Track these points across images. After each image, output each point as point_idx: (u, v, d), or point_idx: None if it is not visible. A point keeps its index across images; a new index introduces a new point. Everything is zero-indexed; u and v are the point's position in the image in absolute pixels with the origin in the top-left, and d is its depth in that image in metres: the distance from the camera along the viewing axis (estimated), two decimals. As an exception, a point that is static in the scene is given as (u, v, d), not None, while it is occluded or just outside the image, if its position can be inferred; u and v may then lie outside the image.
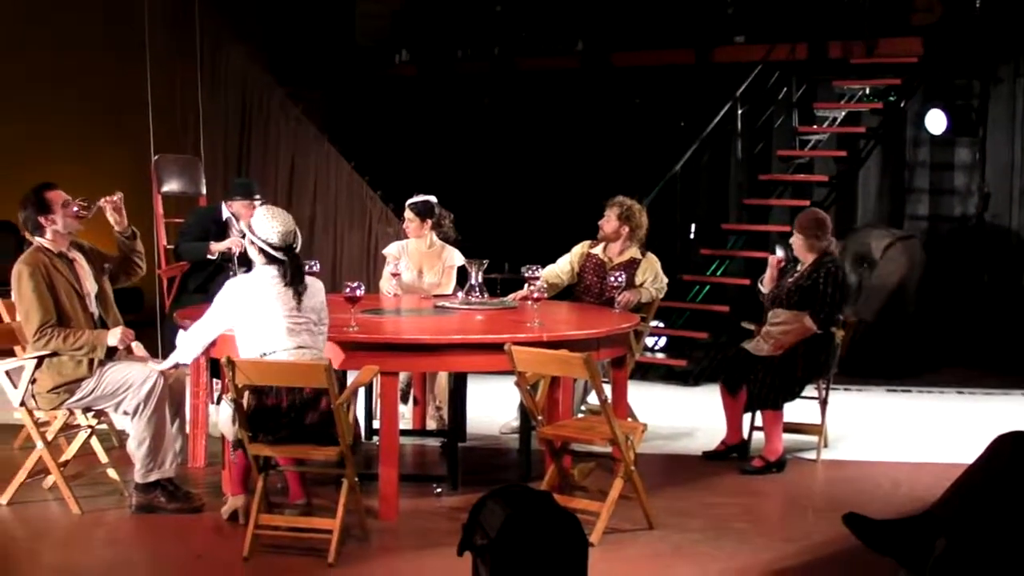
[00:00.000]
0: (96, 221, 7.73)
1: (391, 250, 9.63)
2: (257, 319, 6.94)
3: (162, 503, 7.30)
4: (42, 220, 7.33)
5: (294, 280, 6.97)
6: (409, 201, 9.58)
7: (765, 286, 9.00)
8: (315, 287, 7.15)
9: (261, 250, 7.01)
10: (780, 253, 9.10)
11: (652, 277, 9.22)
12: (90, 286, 7.46)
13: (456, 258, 9.53)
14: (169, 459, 7.29)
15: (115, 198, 7.71)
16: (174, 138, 13.50)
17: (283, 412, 6.70)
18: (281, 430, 6.73)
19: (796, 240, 8.83)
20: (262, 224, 7.03)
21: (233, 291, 7.11)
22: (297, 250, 7.06)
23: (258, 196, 10.02)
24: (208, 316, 7.23)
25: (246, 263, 9.64)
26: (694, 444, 9.42)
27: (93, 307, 7.43)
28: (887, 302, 12.85)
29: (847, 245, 12.56)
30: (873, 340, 12.43)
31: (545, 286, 8.46)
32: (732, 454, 8.95)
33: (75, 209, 7.45)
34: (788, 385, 8.63)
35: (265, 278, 7.00)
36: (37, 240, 7.42)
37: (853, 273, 12.56)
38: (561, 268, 9.41)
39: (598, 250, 9.36)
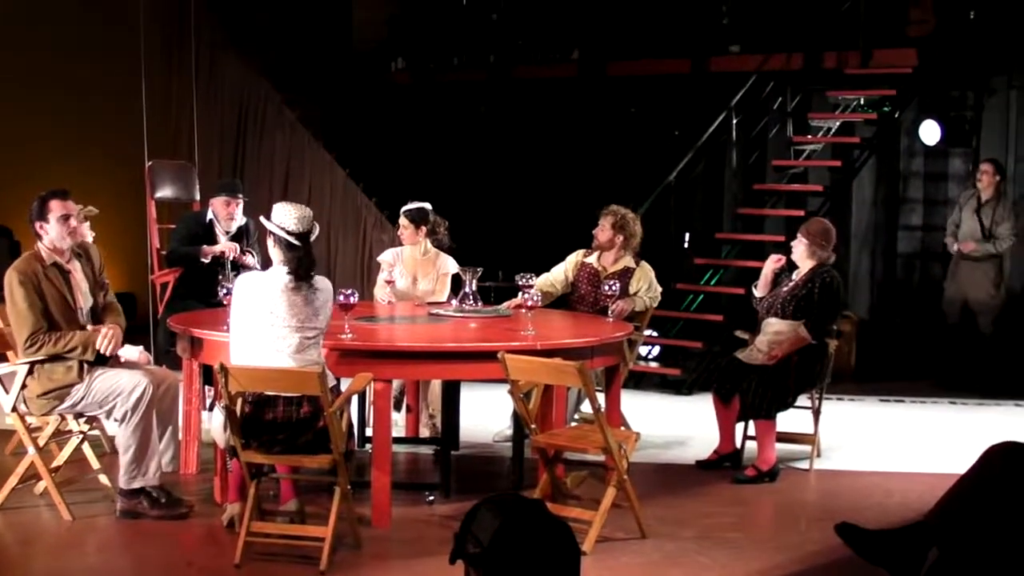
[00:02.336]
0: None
1: (385, 257, 9.62)
2: (263, 325, 6.77)
3: (145, 509, 7.30)
4: (37, 226, 7.32)
5: (300, 271, 6.78)
6: (404, 208, 9.58)
7: (759, 290, 8.98)
8: (327, 294, 6.96)
9: (277, 239, 6.85)
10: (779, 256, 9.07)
11: (646, 286, 9.21)
12: (83, 299, 7.43)
13: (450, 265, 9.52)
14: (153, 467, 7.29)
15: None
16: (169, 144, 13.52)
17: (279, 426, 6.65)
18: (275, 445, 6.68)
19: (799, 245, 8.82)
20: (279, 211, 6.90)
21: (243, 286, 6.92)
22: (312, 239, 6.91)
23: (240, 195, 10.05)
24: (231, 320, 7.03)
25: (238, 268, 9.67)
26: (687, 453, 9.40)
27: (84, 320, 7.38)
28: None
29: None
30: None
31: (539, 294, 8.45)
32: (725, 463, 8.94)
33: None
34: (781, 395, 8.62)
35: (278, 280, 6.82)
36: (37, 246, 7.41)
37: None
38: (555, 277, 9.40)
39: (592, 259, 9.35)
